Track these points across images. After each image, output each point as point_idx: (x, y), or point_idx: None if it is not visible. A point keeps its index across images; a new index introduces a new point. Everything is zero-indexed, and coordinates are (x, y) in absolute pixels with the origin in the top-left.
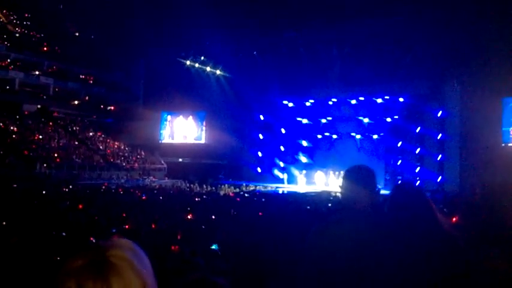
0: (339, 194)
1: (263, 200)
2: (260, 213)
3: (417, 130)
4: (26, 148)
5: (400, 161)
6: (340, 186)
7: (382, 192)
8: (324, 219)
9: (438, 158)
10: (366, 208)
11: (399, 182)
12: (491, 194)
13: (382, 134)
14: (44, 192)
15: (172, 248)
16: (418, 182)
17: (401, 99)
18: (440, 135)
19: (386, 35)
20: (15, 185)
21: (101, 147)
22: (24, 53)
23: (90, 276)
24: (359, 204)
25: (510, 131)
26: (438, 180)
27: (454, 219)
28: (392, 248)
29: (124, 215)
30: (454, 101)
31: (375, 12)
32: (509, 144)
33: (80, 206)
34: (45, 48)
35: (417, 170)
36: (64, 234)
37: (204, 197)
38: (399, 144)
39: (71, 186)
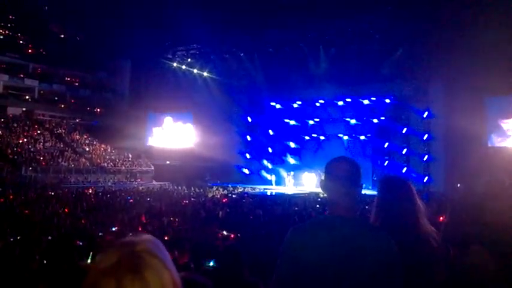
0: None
1: (251, 200)
2: (251, 217)
3: (403, 131)
4: (11, 151)
5: (387, 162)
6: (320, 183)
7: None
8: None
9: (424, 159)
10: (349, 208)
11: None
12: (474, 192)
13: (369, 135)
14: (30, 195)
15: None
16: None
17: (387, 100)
18: (426, 135)
19: (371, 36)
20: (0, 189)
21: (87, 149)
22: (8, 55)
23: (128, 272)
24: (342, 204)
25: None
26: (424, 180)
27: (441, 218)
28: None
29: (111, 218)
30: (439, 102)
31: (360, 13)
32: (494, 145)
33: (66, 210)
34: (30, 51)
35: (404, 170)
36: (50, 238)
37: (192, 199)
38: (386, 145)
39: (56, 190)
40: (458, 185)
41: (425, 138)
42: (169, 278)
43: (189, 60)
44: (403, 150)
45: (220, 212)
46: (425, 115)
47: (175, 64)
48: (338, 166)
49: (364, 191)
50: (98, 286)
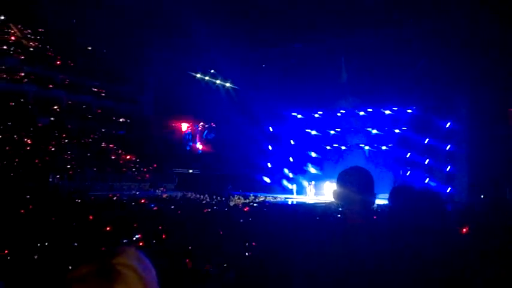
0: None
1: (273, 210)
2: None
3: (426, 141)
4: (39, 160)
5: (409, 172)
6: (333, 192)
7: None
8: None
9: (447, 169)
10: (361, 216)
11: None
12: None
13: (390, 145)
14: (56, 203)
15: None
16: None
17: (409, 111)
18: (448, 146)
19: (394, 46)
20: (28, 196)
21: (112, 158)
22: (37, 67)
23: (97, 284)
24: (354, 212)
25: None
26: (447, 191)
27: (464, 230)
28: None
29: (135, 225)
30: (462, 112)
31: (383, 23)
32: None
33: (91, 217)
34: (58, 62)
35: (426, 181)
36: (76, 244)
37: (215, 207)
38: (408, 155)
39: (83, 198)
40: (482, 196)
41: (447, 148)
42: None
43: (212, 71)
44: (425, 160)
45: (241, 220)
46: (447, 125)
47: (198, 75)
48: (349, 176)
49: (383, 201)
50: None
